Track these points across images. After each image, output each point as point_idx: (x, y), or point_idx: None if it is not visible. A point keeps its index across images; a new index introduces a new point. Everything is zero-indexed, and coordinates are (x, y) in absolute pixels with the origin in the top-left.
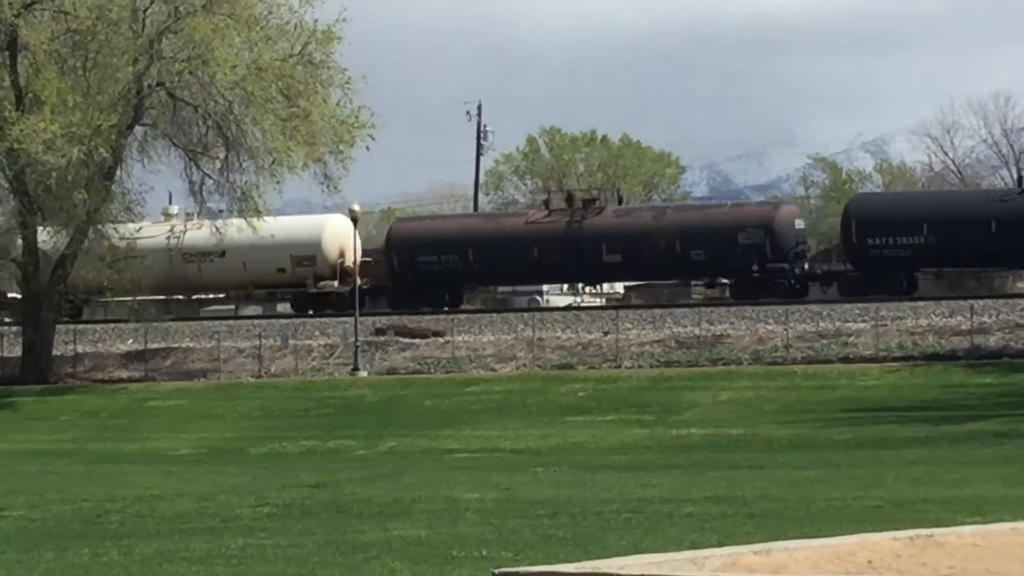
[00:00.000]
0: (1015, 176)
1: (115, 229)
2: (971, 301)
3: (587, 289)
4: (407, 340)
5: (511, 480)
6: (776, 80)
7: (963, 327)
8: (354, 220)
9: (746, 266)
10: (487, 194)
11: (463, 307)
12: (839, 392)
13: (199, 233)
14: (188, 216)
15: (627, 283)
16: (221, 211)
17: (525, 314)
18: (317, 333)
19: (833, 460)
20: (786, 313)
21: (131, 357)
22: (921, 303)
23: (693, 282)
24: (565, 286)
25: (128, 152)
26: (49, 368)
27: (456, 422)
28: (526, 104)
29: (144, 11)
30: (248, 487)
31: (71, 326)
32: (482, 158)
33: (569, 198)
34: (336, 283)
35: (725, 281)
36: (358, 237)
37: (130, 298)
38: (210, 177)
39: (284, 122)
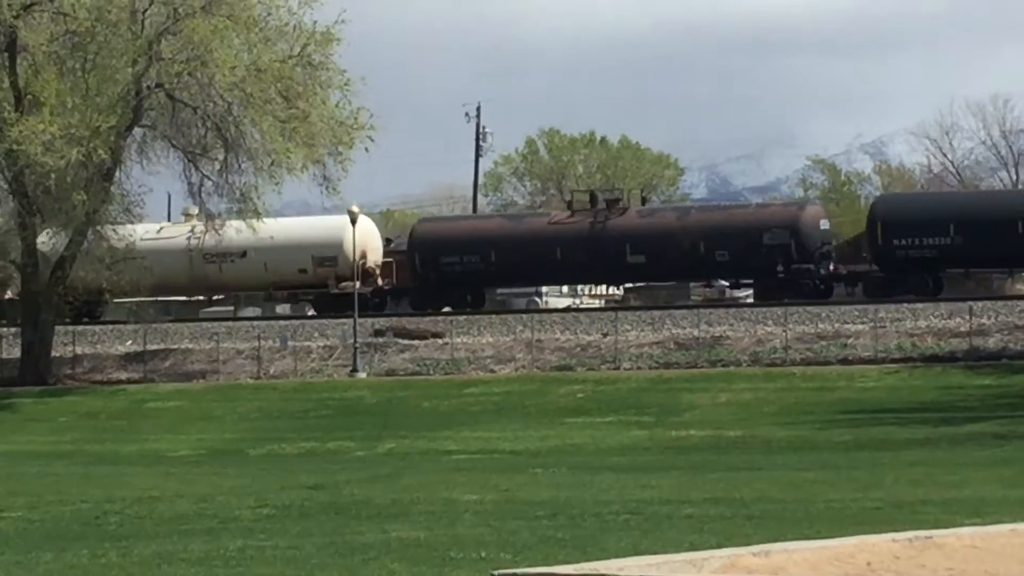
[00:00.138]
0: (1013, 178)
1: (114, 230)
2: (970, 303)
3: (585, 290)
4: (406, 341)
5: (510, 481)
6: (775, 81)
7: (962, 329)
8: (353, 221)
9: (771, 267)
10: (486, 195)
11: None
12: (838, 394)
13: (220, 233)
14: (208, 216)
15: (653, 283)
16: (220, 213)
17: (524, 315)
18: (316, 334)
19: (832, 462)
20: (785, 314)
21: (130, 358)
22: (920, 305)
23: (718, 282)
24: (563, 287)
25: (127, 153)
26: (48, 369)
27: (455, 423)
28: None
29: (143, 12)
30: (247, 488)
31: (70, 327)
32: (481, 159)
33: (592, 198)
34: (358, 284)
35: (749, 282)
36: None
37: (152, 298)
38: (209, 179)
39: (283, 123)
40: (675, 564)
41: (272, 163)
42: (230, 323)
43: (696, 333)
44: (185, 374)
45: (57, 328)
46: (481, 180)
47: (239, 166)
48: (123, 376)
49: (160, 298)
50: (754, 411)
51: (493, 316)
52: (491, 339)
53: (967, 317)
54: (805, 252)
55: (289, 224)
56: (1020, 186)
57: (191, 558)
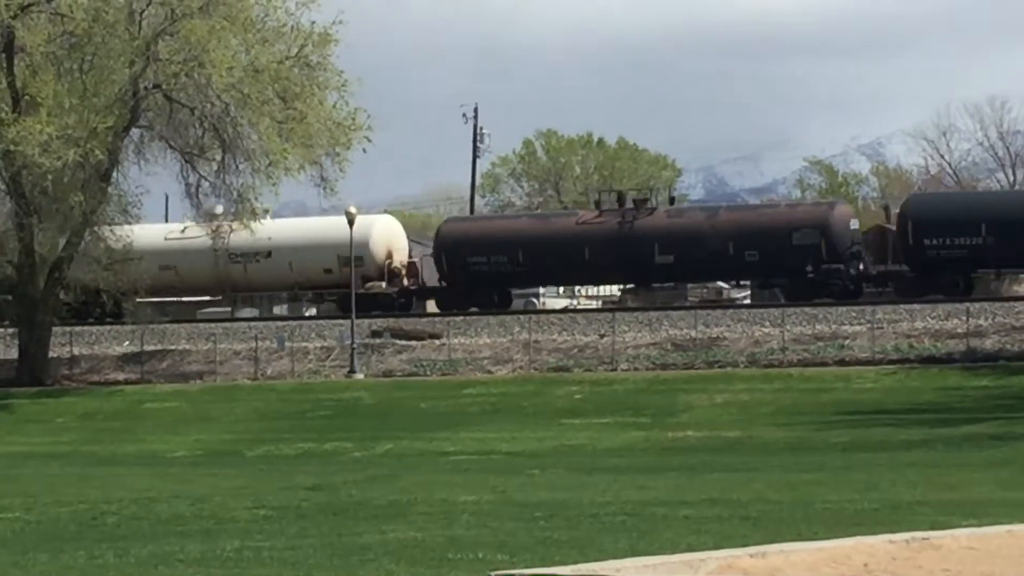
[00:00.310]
0: (1011, 179)
1: (111, 231)
2: (967, 304)
3: (582, 291)
4: (403, 342)
5: (507, 482)
6: (772, 83)
7: (959, 330)
8: (350, 222)
9: (801, 267)
10: (483, 197)
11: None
12: (835, 395)
13: (245, 233)
14: (234, 216)
15: (682, 283)
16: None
17: (521, 316)
18: (313, 335)
19: (829, 463)
20: (782, 316)
21: (127, 359)
22: (917, 306)
23: (746, 282)
24: (561, 288)
25: (124, 154)
26: (45, 370)
27: (452, 424)
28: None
29: (140, 13)
30: (244, 489)
31: (67, 328)
32: (478, 160)
33: (620, 198)
34: (384, 284)
35: (779, 282)
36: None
37: (174, 299)
38: (206, 179)
39: (280, 124)
40: (672, 565)
41: (269, 164)
42: (227, 324)
43: (693, 334)
44: (182, 375)
45: (54, 329)
46: (478, 181)
47: (236, 167)
48: (120, 377)
49: (184, 299)
50: (751, 412)
51: (490, 317)
52: (488, 340)
53: (964, 318)
54: (835, 252)
55: (315, 223)
56: (1017, 187)
57: (188, 559)
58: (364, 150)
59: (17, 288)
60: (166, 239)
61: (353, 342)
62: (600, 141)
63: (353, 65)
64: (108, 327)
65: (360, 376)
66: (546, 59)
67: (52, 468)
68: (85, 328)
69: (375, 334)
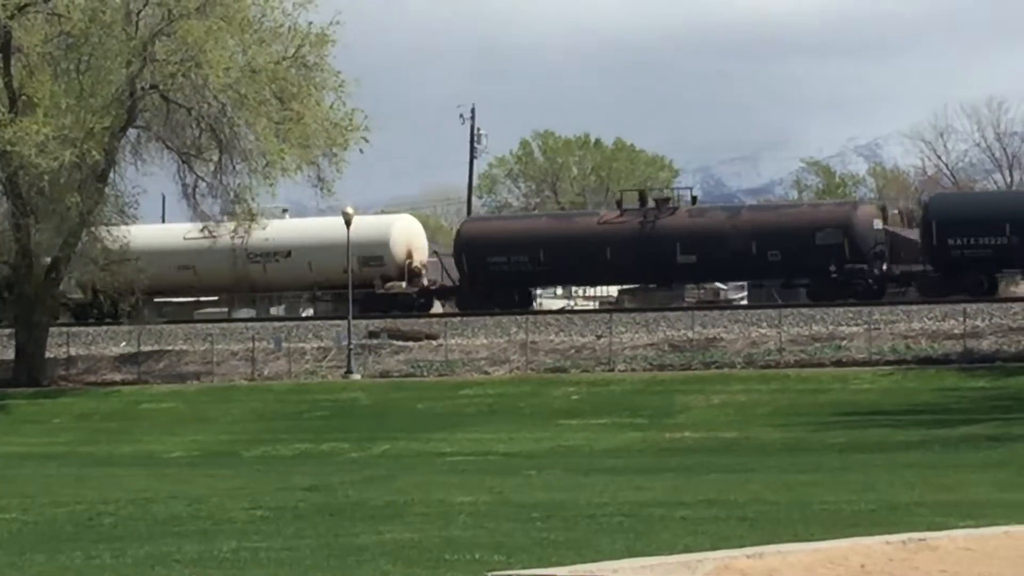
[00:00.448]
0: (1008, 180)
1: (108, 231)
2: (963, 305)
3: (580, 292)
4: (400, 343)
5: (504, 483)
6: (770, 84)
7: (956, 331)
8: (347, 223)
9: (824, 267)
10: (480, 197)
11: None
12: (832, 396)
13: (264, 233)
14: (252, 216)
15: (704, 283)
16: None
17: (518, 317)
18: (310, 336)
19: (826, 464)
20: (779, 316)
21: (124, 360)
22: (914, 307)
23: (768, 283)
24: (559, 289)
25: (121, 155)
26: (42, 371)
27: (449, 425)
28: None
29: (137, 14)
30: (241, 490)
31: (64, 328)
32: (475, 161)
33: (642, 198)
34: (404, 284)
35: (803, 282)
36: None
37: (193, 299)
38: (203, 180)
39: (277, 125)
40: (669, 566)
41: (266, 164)
42: (224, 324)
43: (690, 335)
44: (179, 375)
45: (51, 329)
46: (476, 182)
47: (233, 167)
48: (117, 377)
49: (202, 298)
50: (748, 413)
51: (487, 318)
52: (485, 340)
53: (961, 319)
54: (858, 252)
55: (335, 223)
56: (1015, 188)
57: (185, 559)
58: (361, 151)
59: (14, 288)
60: (185, 239)
61: (350, 343)
62: (597, 142)
63: (351, 65)
64: (105, 328)
65: (357, 377)
66: (545, 59)
67: (49, 469)
68: (82, 328)
69: (372, 335)
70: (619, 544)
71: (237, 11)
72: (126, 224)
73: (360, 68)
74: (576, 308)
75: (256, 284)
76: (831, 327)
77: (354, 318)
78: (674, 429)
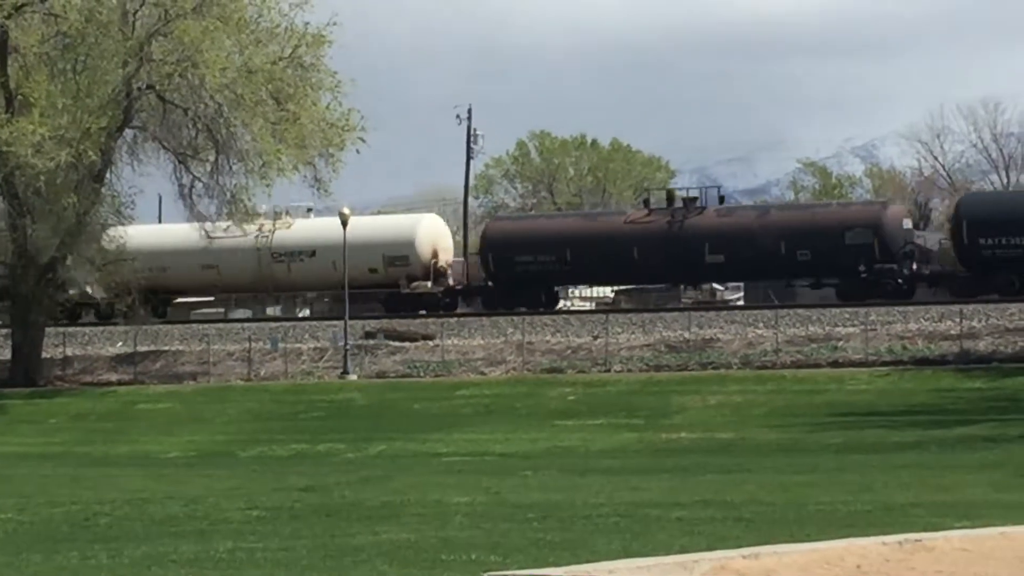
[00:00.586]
0: (1004, 181)
1: (105, 231)
2: (960, 306)
3: (576, 292)
4: (397, 343)
5: (500, 484)
6: (766, 84)
7: (953, 331)
8: (344, 223)
9: (853, 266)
10: (477, 198)
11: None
12: (828, 396)
13: (289, 232)
14: (276, 215)
15: (732, 283)
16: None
17: (515, 318)
18: (307, 336)
19: (822, 464)
20: (775, 317)
21: (120, 360)
22: (911, 307)
23: (798, 283)
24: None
25: (118, 155)
26: (38, 371)
27: (445, 425)
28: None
29: (134, 14)
30: (238, 490)
31: (60, 328)
32: (472, 162)
33: (669, 197)
34: (430, 284)
35: (832, 281)
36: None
37: (218, 297)
38: (199, 180)
39: (274, 125)
40: (665, 566)
41: (263, 165)
42: (221, 325)
43: (687, 336)
44: (176, 376)
45: (47, 329)
46: (472, 182)
47: (230, 167)
48: (113, 377)
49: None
50: (744, 414)
51: (483, 318)
52: (482, 341)
53: (957, 320)
54: (888, 252)
55: (360, 222)
56: (1011, 189)
57: (181, 560)
58: (357, 151)
59: (10, 288)
60: (208, 238)
61: (346, 343)
62: (594, 142)
63: (349, 66)
64: (101, 328)
65: (353, 377)
66: (544, 59)
67: (45, 469)
68: (78, 329)
69: (368, 335)
70: (615, 544)
71: (234, 11)
72: (123, 225)
73: (358, 68)
74: (572, 309)
75: (280, 283)
76: (827, 328)
77: (352, 318)
78: (670, 430)
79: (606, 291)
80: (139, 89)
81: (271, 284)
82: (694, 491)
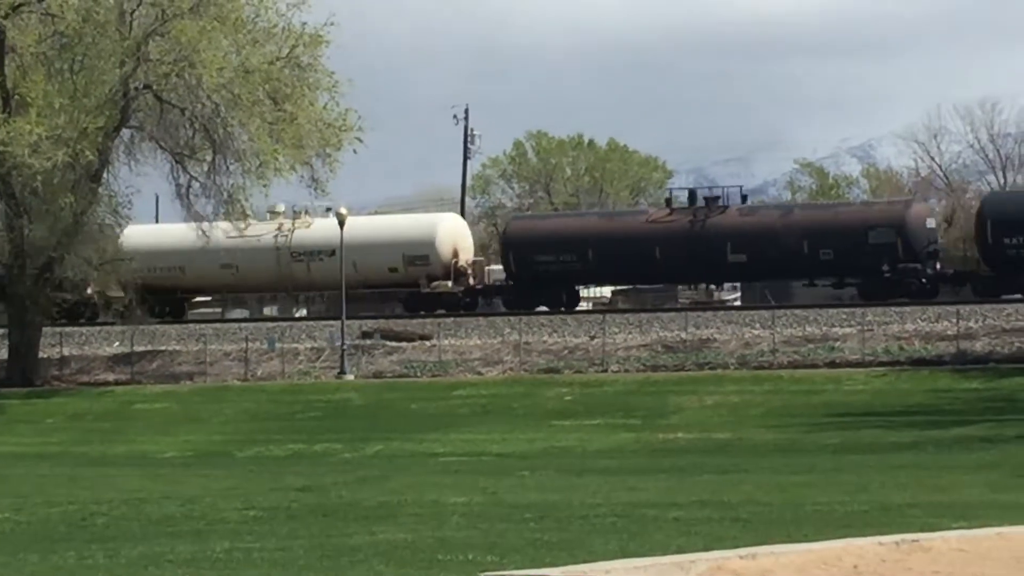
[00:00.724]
0: (1001, 182)
1: (101, 231)
2: (957, 306)
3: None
4: (394, 344)
5: (497, 484)
6: (763, 85)
7: (949, 332)
8: (341, 223)
9: (877, 266)
10: (474, 198)
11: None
12: (825, 397)
13: (308, 232)
14: (296, 214)
15: (755, 282)
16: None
17: (512, 318)
18: (304, 336)
19: (819, 465)
20: (772, 317)
21: (117, 360)
22: (908, 308)
23: (821, 282)
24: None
25: (115, 155)
26: (35, 371)
27: (442, 426)
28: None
29: (131, 14)
30: (234, 490)
31: (57, 328)
32: (469, 162)
33: (691, 196)
34: (450, 283)
35: (855, 281)
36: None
37: (232, 295)
38: (196, 180)
39: (271, 125)
40: (662, 567)
41: (260, 164)
42: (217, 325)
43: (684, 336)
44: (172, 376)
45: (44, 329)
46: (469, 182)
47: (227, 167)
48: (110, 377)
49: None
50: (741, 414)
51: (480, 318)
52: (478, 341)
53: (954, 320)
54: (911, 251)
55: (380, 221)
56: (1007, 189)
57: (178, 560)
58: (355, 151)
59: (7, 288)
60: (228, 237)
61: (343, 343)
62: (591, 143)
63: (347, 65)
64: (98, 328)
65: (350, 377)
66: (544, 59)
67: (42, 469)
68: (75, 328)
69: (365, 335)
70: (612, 545)
71: (231, 11)
72: (120, 225)
73: (356, 68)
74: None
75: (299, 283)
76: (824, 328)
77: (349, 318)
78: (667, 430)
79: (604, 291)
80: (136, 89)
81: (290, 284)
82: (691, 491)
